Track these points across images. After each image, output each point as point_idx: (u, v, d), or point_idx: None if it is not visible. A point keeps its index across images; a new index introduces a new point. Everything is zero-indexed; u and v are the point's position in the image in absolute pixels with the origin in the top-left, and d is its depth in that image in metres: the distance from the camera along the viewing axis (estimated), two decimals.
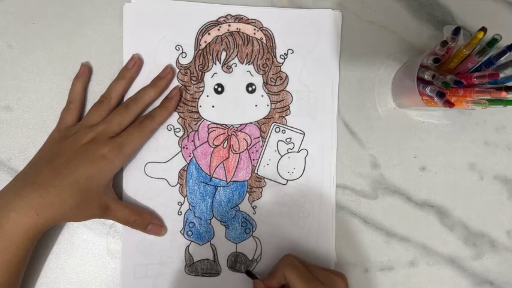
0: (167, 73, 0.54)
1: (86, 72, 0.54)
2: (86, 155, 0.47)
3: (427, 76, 0.47)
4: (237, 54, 0.55)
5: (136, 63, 0.54)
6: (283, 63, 0.56)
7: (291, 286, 0.47)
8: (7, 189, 0.47)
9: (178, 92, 0.54)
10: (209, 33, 0.55)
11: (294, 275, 0.47)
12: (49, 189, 0.45)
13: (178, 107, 0.55)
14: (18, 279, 0.47)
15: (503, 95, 0.44)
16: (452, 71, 0.50)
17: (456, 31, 0.45)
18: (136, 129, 0.50)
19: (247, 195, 0.55)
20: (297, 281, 0.46)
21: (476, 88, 0.46)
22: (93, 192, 0.48)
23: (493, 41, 0.43)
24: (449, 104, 0.44)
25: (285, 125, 0.56)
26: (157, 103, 0.54)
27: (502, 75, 0.44)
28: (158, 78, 0.54)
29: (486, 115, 0.56)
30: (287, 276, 0.48)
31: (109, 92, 0.52)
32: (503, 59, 0.45)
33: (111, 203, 0.50)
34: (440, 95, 0.45)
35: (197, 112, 0.55)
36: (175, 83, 0.55)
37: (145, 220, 0.52)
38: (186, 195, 0.55)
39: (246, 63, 0.55)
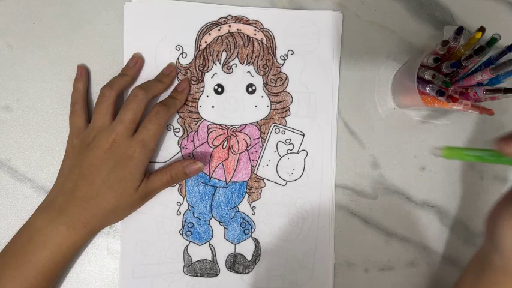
0: (171, 71, 0.54)
1: (83, 73, 0.54)
2: (113, 159, 0.48)
3: (427, 76, 0.47)
4: (237, 55, 0.55)
5: (138, 62, 0.54)
6: (283, 64, 0.56)
7: None
8: (50, 206, 0.49)
9: (188, 85, 0.54)
10: (210, 34, 0.55)
11: None
12: (90, 202, 0.48)
13: None
14: (56, 282, 0.51)
15: (491, 113, 0.45)
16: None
17: (459, 31, 0.45)
18: (153, 123, 0.50)
19: (247, 195, 0.55)
20: None
21: (471, 101, 0.46)
22: (130, 192, 0.49)
23: (492, 41, 0.43)
24: (453, 99, 0.44)
25: (285, 125, 0.56)
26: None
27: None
28: (163, 75, 0.54)
29: (486, 115, 0.56)
30: None
31: (110, 84, 0.51)
32: (503, 59, 0.45)
33: (146, 184, 0.50)
34: (440, 93, 0.45)
35: (197, 112, 0.55)
36: (175, 83, 0.55)
37: (179, 169, 0.52)
38: (185, 196, 0.55)
39: (246, 64, 0.55)
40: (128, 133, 0.49)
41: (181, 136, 0.55)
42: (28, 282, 0.46)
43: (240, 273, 0.54)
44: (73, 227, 0.47)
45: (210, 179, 0.55)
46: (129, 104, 0.49)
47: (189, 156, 0.55)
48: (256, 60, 0.55)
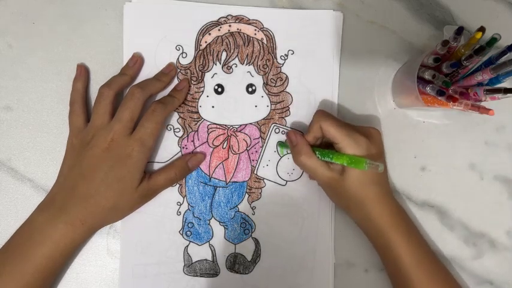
0: (170, 70, 0.54)
1: (83, 73, 0.54)
2: (112, 159, 0.48)
3: (427, 76, 0.47)
4: (237, 55, 0.55)
5: (137, 62, 0.54)
6: (283, 64, 0.56)
7: (328, 135, 0.49)
8: (50, 204, 0.49)
9: (187, 84, 0.54)
10: (210, 34, 0.55)
11: (330, 123, 0.48)
12: (89, 200, 0.48)
13: (178, 107, 0.55)
14: (54, 281, 0.52)
15: (491, 113, 0.45)
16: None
17: (459, 31, 0.45)
18: (151, 122, 0.50)
19: (247, 195, 0.55)
20: (333, 128, 0.48)
21: (471, 101, 0.46)
22: (129, 190, 0.49)
23: (492, 41, 0.43)
24: (453, 99, 0.44)
25: (285, 125, 0.56)
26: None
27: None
28: (162, 74, 0.54)
29: (486, 115, 0.56)
30: (323, 126, 0.49)
31: (109, 83, 0.51)
32: (503, 59, 0.45)
33: (148, 183, 0.51)
34: (441, 93, 0.45)
35: (197, 112, 0.55)
36: (175, 83, 0.55)
37: (183, 165, 0.53)
38: (185, 196, 0.55)
39: (246, 64, 0.55)
40: (126, 132, 0.49)
41: (181, 136, 0.55)
42: (25, 279, 0.46)
43: (240, 273, 0.54)
44: (71, 225, 0.47)
45: (210, 179, 0.55)
46: (126, 103, 0.50)
47: None
48: (256, 60, 0.55)
